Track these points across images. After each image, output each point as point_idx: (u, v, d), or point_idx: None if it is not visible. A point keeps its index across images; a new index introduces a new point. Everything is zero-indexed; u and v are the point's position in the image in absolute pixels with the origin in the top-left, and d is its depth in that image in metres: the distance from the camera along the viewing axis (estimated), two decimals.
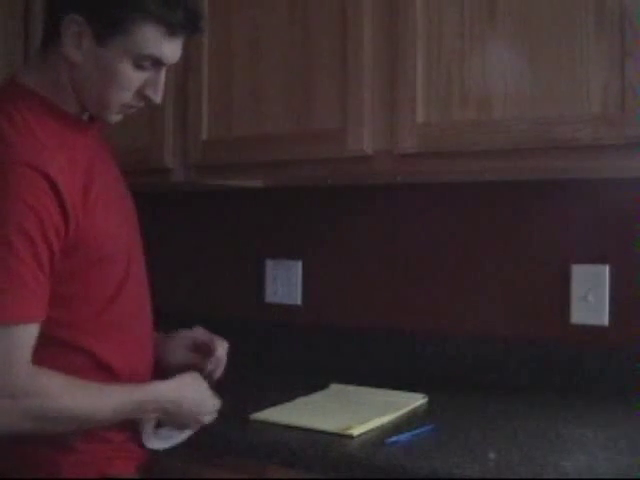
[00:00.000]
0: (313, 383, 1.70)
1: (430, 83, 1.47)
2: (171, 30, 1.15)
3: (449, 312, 1.82)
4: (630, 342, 1.60)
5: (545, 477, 1.12)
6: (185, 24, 1.17)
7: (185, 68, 1.72)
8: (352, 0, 1.53)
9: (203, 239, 2.20)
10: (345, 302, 1.96)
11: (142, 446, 1.26)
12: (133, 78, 1.17)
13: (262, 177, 1.92)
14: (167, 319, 1.48)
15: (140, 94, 1.21)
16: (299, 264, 2.02)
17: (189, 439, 1.30)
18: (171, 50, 1.18)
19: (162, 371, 1.38)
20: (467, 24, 1.43)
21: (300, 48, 1.61)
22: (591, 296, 1.65)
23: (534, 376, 1.69)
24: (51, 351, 1.14)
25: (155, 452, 1.28)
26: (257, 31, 1.67)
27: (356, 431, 1.33)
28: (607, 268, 1.65)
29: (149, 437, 1.25)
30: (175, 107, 1.77)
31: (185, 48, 1.24)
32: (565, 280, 1.69)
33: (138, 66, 1.17)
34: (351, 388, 1.68)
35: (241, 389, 1.63)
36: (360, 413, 1.45)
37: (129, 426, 1.23)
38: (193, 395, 1.27)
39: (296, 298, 2.03)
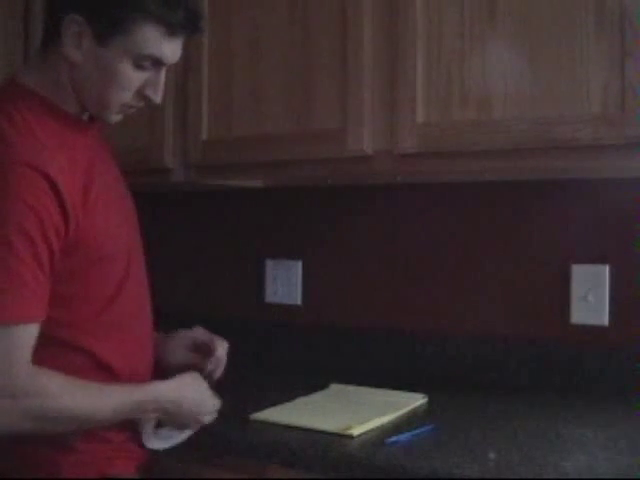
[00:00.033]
0: (313, 383, 1.70)
1: (430, 83, 1.47)
2: (171, 30, 1.15)
3: (449, 312, 1.82)
4: (630, 342, 1.60)
5: (545, 477, 1.12)
6: (185, 24, 1.17)
7: (185, 68, 1.72)
8: (352, 1, 1.53)
9: (203, 239, 2.20)
10: (345, 302, 1.96)
11: (142, 446, 1.26)
12: (133, 78, 1.17)
13: (262, 177, 1.92)
14: (167, 319, 1.48)
15: (140, 94, 1.21)
16: (299, 264, 2.02)
17: (189, 439, 1.30)
18: (171, 50, 1.18)
19: (162, 371, 1.38)
20: (467, 24, 1.43)
21: (300, 48, 1.61)
22: (591, 296, 1.65)
23: (534, 376, 1.69)
24: (51, 351, 1.14)
25: (155, 452, 1.28)
26: (257, 31, 1.67)
27: (356, 431, 1.33)
28: (607, 268, 1.65)
29: (149, 437, 1.25)
30: (175, 107, 1.77)
31: (185, 48, 1.24)
32: (565, 280, 1.69)
33: (138, 66, 1.17)
34: (351, 388, 1.68)
35: (241, 389, 1.63)
36: (360, 413, 1.45)
37: (129, 426, 1.23)
38: (193, 395, 1.27)
39: (296, 298, 2.03)
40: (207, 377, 1.38)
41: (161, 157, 1.80)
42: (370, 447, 1.27)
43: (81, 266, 1.17)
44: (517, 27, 1.39)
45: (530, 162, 1.42)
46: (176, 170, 1.80)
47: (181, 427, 1.29)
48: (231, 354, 1.44)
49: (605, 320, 1.65)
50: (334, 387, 1.69)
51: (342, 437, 1.31)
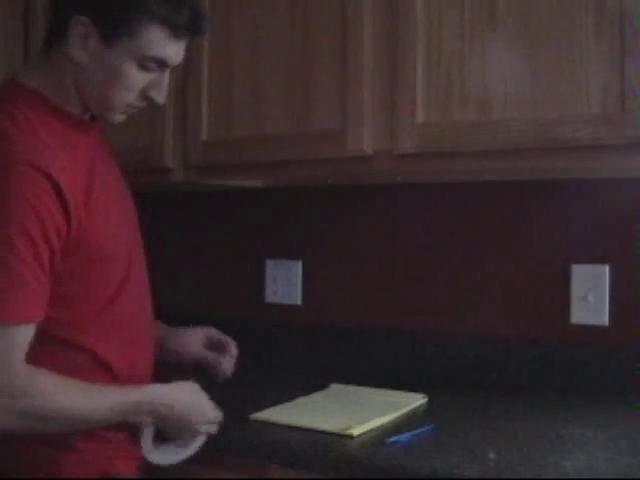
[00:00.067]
0: (313, 383, 1.70)
1: (430, 85, 1.47)
2: (176, 32, 1.17)
3: (449, 312, 1.82)
4: (630, 342, 1.60)
5: (545, 477, 1.12)
6: (190, 26, 1.18)
7: (185, 69, 1.72)
8: (352, 1, 1.53)
9: (203, 239, 2.20)
10: (345, 302, 1.96)
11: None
12: (138, 79, 1.18)
13: (262, 177, 1.92)
14: (167, 319, 1.49)
15: (143, 95, 1.21)
16: (299, 264, 2.03)
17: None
18: (175, 51, 1.19)
19: (166, 369, 1.39)
20: (467, 26, 1.43)
21: (300, 49, 1.61)
22: (591, 296, 1.65)
23: (534, 376, 1.69)
24: (51, 350, 1.15)
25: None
26: (257, 32, 1.67)
27: (356, 431, 1.33)
28: (607, 268, 1.65)
29: (150, 451, 1.24)
30: (175, 108, 1.77)
31: (185, 49, 1.24)
32: (565, 280, 1.69)
33: (143, 67, 1.18)
34: (351, 388, 1.68)
35: (241, 389, 1.63)
36: (360, 413, 1.45)
37: (125, 427, 1.22)
38: (186, 399, 1.24)
39: (296, 298, 2.03)
40: (221, 374, 1.44)
41: (161, 157, 1.80)
42: (370, 447, 1.27)
43: (82, 266, 1.18)
44: (517, 29, 1.39)
45: (530, 162, 1.42)
46: (176, 170, 1.80)
47: (177, 435, 1.26)
48: None
49: (605, 320, 1.65)
50: (334, 387, 1.69)
51: (342, 437, 1.31)
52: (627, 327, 1.62)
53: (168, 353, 1.46)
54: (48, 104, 1.18)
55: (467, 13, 1.43)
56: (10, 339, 1.08)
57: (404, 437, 1.31)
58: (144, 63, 1.17)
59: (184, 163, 1.79)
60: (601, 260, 1.65)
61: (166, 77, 1.22)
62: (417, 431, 1.34)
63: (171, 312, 1.51)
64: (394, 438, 1.30)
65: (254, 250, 2.11)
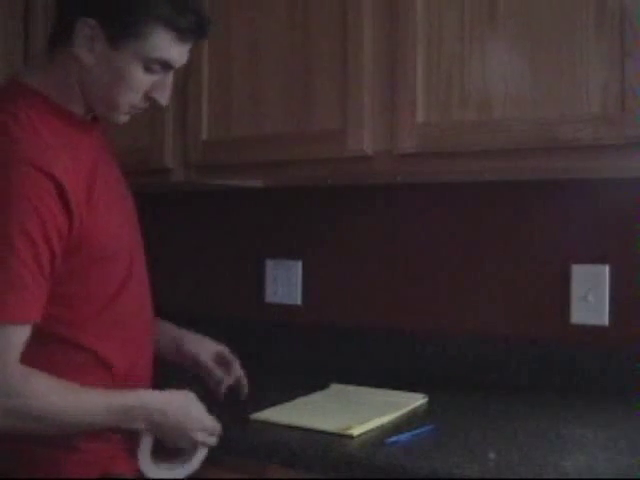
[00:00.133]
0: (313, 383, 1.69)
1: (430, 86, 1.47)
2: (181, 35, 1.18)
3: (449, 312, 1.82)
4: (630, 342, 1.60)
5: (545, 477, 1.12)
6: (194, 29, 1.19)
7: (185, 69, 1.71)
8: (352, 2, 1.53)
9: (203, 239, 2.20)
10: (345, 302, 1.96)
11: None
12: (143, 80, 1.20)
13: (262, 177, 1.92)
14: (167, 319, 1.49)
15: (147, 96, 1.23)
16: (299, 264, 2.03)
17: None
18: (179, 54, 1.21)
19: (166, 369, 1.39)
20: (467, 28, 1.43)
21: (300, 50, 1.61)
22: (591, 296, 1.65)
23: (534, 376, 1.69)
24: (51, 349, 1.15)
25: None
26: (256, 33, 1.67)
27: (356, 431, 1.33)
28: (607, 268, 1.65)
29: (149, 466, 1.23)
30: (175, 108, 1.77)
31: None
32: (565, 280, 1.69)
33: (148, 69, 1.19)
34: (351, 388, 1.68)
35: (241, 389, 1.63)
36: (360, 413, 1.45)
37: (126, 435, 1.22)
38: (180, 404, 1.24)
39: (296, 298, 2.03)
40: (220, 392, 1.48)
41: (161, 157, 1.80)
42: (370, 447, 1.27)
43: (83, 265, 1.18)
44: (517, 29, 1.39)
45: (530, 162, 1.42)
46: (176, 170, 1.81)
47: (174, 444, 1.25)
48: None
49: (605, 320, 1.65)
50: (334, 387, 1.69)
51: (342, 437, 1.31)
52: (627, 327, 1.62)
53: (185, 355, 1.49)
54: (50, 104, 1.18)
55: (467, 14, 1.43)
56: (6, 339, 1.08)
57: (404, 437, 1.31)
58: (149, 65, 1.18)
59: (184, 163, 1.79)
60: (601, 260, 1.65)
61: (170, 79, 1.24)
62: (417, 431, 1.34)
63: (171, 312, 1.51)
64: (394, 438, 1.30)
65: (254, 250, 2.11)
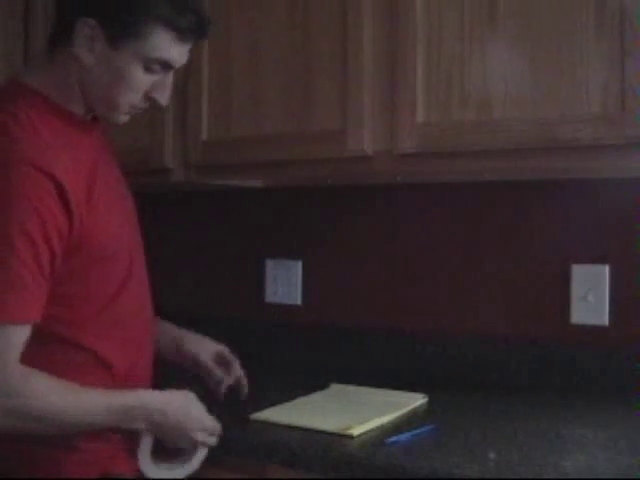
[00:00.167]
0: (313, 383, 1.69)
1: (430, 86, 1.47)
2: (181, 35, 1.18)
3: (449, 312, 1.82)
4: (630, 342, 1.60)
5: (545, 477, 1.12)
6: (194, 29, 1.20)
7: (185, 69, 1.71)
8: (352, 2, 1.53)
9: (203, 239, 2.20)
10: (345, 302, 1.96)
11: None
12: (143, 81, 1.20)
13: (262, 177, 1.92)
14: (167, 319, 1.49)
15: (147, 96, 1.23)
16: (299, 264, 2.03)
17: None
18: (179, 54, 1.21)
19: (165, 370, 1.39)
20: (467, 28, 1.43)
21: (300, 50, 1.61)
22: (591, 296, 1.65)
23: (534, 376, 1.69)
24: (51, 348, 1.15)
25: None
26: (256, 33, 1.67)
27: (356, 431, 1.33)
28: (607, 268, 1.65)
29: (149, 466, 1.23)
30: (175, 108, 1.77)
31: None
32: (565, 280, 1.69)
33: (148, 69, 1.19)
34: (351, 388, 1.68)
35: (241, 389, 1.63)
36: (360, 413, 1.45)
37: (126, 435, 1.22)
38: (180, 404, 1.24)
39: (296, 298, 2.03)
40: (220, 392, 1.48)
41: (161, 157, 1.80)
42: (370, 447, 1.27)
43: (83, 265, 1.18)
44: (517, 29, 1.39)
45: (530, 162, 1.42)
46: (176, 170, 1.81)
47: (174, 444, 1.25)
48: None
49: (605, 320, 1.65)
50: (334, 387, 1.69)
51: (342, 437, 1.31)
52: (627, 327, 1.62)
53: (185, 355, 1.49)
54: (50, 104, 1.18)
55: (467, 14, 1.43)
56: (6, 339, 1.08)
57: (404, 437, 1.31)
58: (149, 65, 1.18)
59: (184, 163, 1.79)
60: (601, 260, 1.65)
61: (170, 79, 1.24)
62: (417, 431, 1.34)
63: (171, 312, 1.51)
64: (394, 438, 1.30)
65: (254, 250, 2.11)
